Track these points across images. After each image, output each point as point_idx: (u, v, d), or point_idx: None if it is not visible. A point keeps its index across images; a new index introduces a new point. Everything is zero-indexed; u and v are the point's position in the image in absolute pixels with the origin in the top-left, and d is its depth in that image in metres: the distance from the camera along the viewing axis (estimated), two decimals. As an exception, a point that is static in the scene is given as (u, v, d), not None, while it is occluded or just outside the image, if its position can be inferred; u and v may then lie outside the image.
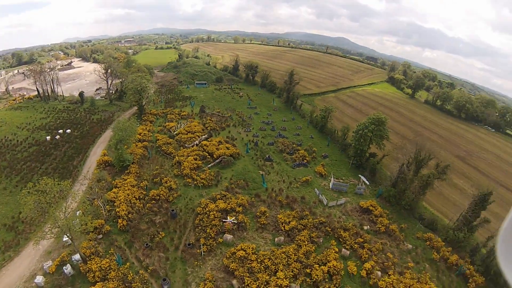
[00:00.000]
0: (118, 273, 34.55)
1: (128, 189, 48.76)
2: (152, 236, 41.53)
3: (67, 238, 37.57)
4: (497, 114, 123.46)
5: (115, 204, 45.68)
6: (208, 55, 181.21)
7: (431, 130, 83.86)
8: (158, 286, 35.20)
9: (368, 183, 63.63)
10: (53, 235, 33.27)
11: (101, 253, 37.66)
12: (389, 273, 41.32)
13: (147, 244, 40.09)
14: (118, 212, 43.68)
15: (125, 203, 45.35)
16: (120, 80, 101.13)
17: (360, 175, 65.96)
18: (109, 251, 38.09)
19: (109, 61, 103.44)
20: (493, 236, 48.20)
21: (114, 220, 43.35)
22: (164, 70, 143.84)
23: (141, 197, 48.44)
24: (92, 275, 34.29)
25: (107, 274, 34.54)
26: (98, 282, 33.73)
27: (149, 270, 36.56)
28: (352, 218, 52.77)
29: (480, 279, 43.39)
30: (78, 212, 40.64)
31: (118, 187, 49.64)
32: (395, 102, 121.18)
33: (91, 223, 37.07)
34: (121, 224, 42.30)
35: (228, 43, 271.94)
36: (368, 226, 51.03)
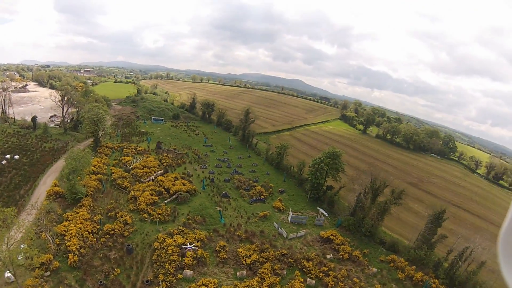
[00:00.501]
0: None
1: (81, 223, 45.53)
2: (107, 273, 38.66)
3: (9, 274, 34.09)
4: (441, 142, 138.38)
5: (66, 237, 42.13)
6: (166, 92, 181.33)
7: (383, 161, 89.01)
8: None
9: (327, 215, 65.54)
10: None
11: None
12: None
13: (101, 282, 37.15)
14: (69, 246, 40.23)
15: (77, 237, 42.07)
16: (77, 109, 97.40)
17: (318, 208, 67.91)
18: None
19: (66, 88, 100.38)
20: (453, 250, 52.36)
21: (64, 255, 39.79)
22: (122, 104, 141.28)
23: (94, 231, 45.38)
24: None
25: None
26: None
27: None
28: (314, 248, 53.73)
29: None
30: (22, 245, 36.57)
31: (69, 221, 46.29)
32: (348, 138, 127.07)
33: (38, 258, 34.29)
34: (72, 259, 38.70)
35: (186, 82, 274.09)
36: (331, 255, 52.30)
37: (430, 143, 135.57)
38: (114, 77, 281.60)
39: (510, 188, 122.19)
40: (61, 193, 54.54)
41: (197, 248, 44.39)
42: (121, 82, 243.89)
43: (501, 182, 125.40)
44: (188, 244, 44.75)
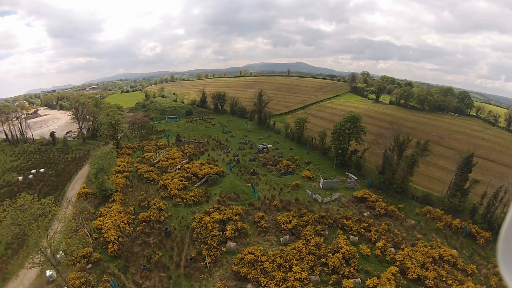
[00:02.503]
0: None
1: (115, 215, 45.62)
2: (149, 257, 38.43)
3: (50, 273, 34.01)
4: (456, 99, 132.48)
5: (103, 230, 42.17)
6: (174, 94, 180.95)
7: (401, 125, 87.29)
8: None
9: (356, 178, 64.56)
10: (35, 264, 29.09)
11: (92, 283, 33.75)
12: (401, 247, 42.90)
13: (144, 266, 36.92)
14: (107, 238, 40.26)
15: (114, 229, 42.14)
16: (91, 121, 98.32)
17: (346, 172, 67.44)
18: (102, 279, 34.33)
19: (78, 100, 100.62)
20: (486, 193, 51.98)
21: (104, 247, 39.77)
22: (133, 111, 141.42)
23: (129, 221, 45.11)
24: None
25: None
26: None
27: None
28: (350, 208, 53.49)
29: (487, 234, 47.28)
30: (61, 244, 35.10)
31: (104, 216, 46.31)
32: (363, 108, 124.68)
33: (78, 252, 33.88)
34: (112, 249, 38.74)
35: (192, 81, 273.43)
36: (368, 212, 52.28)
37: (445, 102, 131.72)
38: (120, 88, 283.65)
39: None
40: (90, 193, 54.47)
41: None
42: (127, 91, 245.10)
43: None
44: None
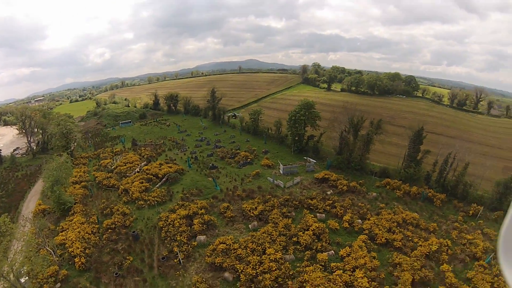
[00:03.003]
0: None
1: (78, 227, 43.60)
2: (120, 264, 37.44)
3: None
4: (403, 83, 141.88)
5: (67, 245, 40.11)
6: (125, 99, 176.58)
7: (354, 108, 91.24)
8: None
9: (315, 161, 66.70)
10: None
11: None
12: (367, 217, 46.19)
13: (117, 274, 35.99)
14: (72, 251, 38.41)
15: (78, 241, 40.21)
16: (40, 134, 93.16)
17: (305, 157, 69.60)
18: None
19: (24, 113, 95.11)
20: (438, 161, 57.62)
21: (70, 262, 37.87)
22: (84, 119, 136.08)
23: (94, 231, 43.54)
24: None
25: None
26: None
27: None
28: (313, 189, 55.63)
29: (442, 196, 53.63)
30: (22, 270, 33.52)
31: (66, 230, 44.11)
32: (315, 96, 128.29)
33: (43, 272, 32.48)
34: (80, 262, 37.00)
35: (143, 85, 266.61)
36: (331, 191, 54.61)
37: (394, 86, 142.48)
38: (68, 98, 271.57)
39: (473, 111, 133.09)
40: (48, 209, 51.75)
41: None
42: (77, 101, 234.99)
43: (464, 107, 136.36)
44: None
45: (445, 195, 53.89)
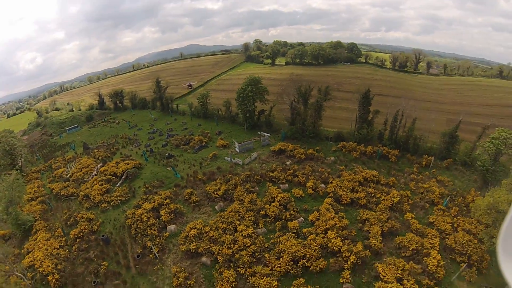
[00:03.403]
0: None
1: (44, 245, 42.06)
2: (96, 272, 36.81)
3: None
4: (346, 51, 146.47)
5: (36, 266, 38.46)
6: (68, 104, 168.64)
7: (299, 79, 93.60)
8: None
9: (269, 135, 67.81)
10: None
11: None
12: (330, 181, 48.24)
13: (95, 282, 35.50)
14: (43, 271, 37.00)
15: (48, 259, 38.90)
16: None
17: (259, 132, 70.51)
18: None
19: None
20: (387, 119, 61.08)
21: (44, 282, 36.57)
22: (27, 133, 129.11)
23: (62, 244, 42.19)
24: None
25: None
26: None
27: None
28: (272, 162, 56.94)
29: (396, 152, 57.70)
30: None
31: (31, 251, 42.24)
32: (261, 72, 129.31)
33: None
34: (54, 280, 35.87)
35: (84, 86, 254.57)
36: (290, 161, 55.99)
37: (337, 54, 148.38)
38: (4, 113, 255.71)
39: (414, 72, 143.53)
40: (7, 234, 49.00)
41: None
42: (14, 114, 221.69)
43: (406, 69, 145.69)
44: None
45: (398, 150, 58.09)
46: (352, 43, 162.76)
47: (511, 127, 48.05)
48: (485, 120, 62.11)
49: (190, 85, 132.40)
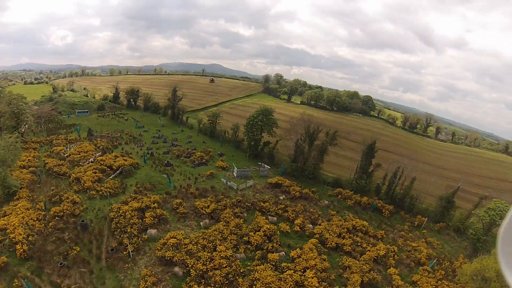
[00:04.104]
0: None
1: (22, 213, 41.55)
2: (65, 254, 35.91)
3: None
4: (361, 102, 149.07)
5: (8, 231, 37.76)
6: (84, 88, 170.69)
7: (310, 119, 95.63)
8: None
9: (269, 167, 68.39)
10: None
11: None
12: (318, 223, 48.25)
13: (61, 263, 34.47)
14: (14, 238, 36.29)
15: (22, 227, 38.26)
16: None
17: (259, 162, 71.05)
18: (14, 284, 30.97)
19: None
20: (387, 174, 61.99)
21: (11, 249, 35.63)
22: (38, 104, 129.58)
23: (40, 218, 41.52)
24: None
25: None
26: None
27: None
28: (266, 193, 57.12)
29: (390, 207, 57.99)
30: None
31: (8, 215, 41.61)
32: (275, 106, 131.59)
33: None
34: (21, 250, 34.95)
35: (105, 76, 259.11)
36: (284, 196, 56.28)
37: (352, 103, 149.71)
38: (22, 79, 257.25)
39: (423, 134, 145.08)
40: None
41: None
42: (32, 83, 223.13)
43: (415, 130, 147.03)
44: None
45: (393, 206, 58.49)
46: (368, 96, 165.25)
47: (509, 201, 48.67)
48: (484, 191, 62.46)
49: (212, 80, 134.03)
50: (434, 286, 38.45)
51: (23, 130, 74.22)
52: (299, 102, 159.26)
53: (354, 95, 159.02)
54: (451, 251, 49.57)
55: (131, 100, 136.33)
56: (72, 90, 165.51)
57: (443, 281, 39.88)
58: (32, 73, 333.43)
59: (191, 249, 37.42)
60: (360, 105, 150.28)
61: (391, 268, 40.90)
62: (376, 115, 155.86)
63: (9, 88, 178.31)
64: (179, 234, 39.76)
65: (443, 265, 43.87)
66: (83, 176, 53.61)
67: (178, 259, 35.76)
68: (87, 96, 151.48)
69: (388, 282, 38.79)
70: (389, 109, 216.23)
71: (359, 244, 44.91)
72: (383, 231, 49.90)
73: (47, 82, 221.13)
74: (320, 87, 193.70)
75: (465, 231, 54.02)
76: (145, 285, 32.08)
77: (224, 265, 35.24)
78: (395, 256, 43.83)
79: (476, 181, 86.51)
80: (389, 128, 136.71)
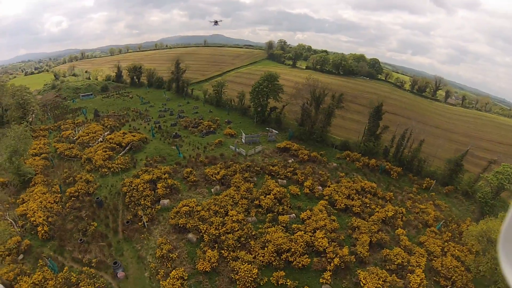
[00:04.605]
0: (58, 280, 29.68)
1: (39, 197, 42.91)
2: (84, 230, 37.46)
3: None
4: (368, 66, 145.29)
5: (28, 215, 39.29)
6: (86, 71, 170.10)
7: (316, 84, 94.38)
8: (111, 274, 32.25)
9: (277, 132, 68.12)
10: None
11: (28, 271, 31.61)
12: (328, 185, 48.20)
13: (81, 240, 36.00)
14: (34, 221, 37.79)
15: (40, 210, 39.70)
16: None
17: (267, 128, 70.91)
18: (38, 264, 32.40)
19: None
20: (395, 136, 60.91)
21: (33, 232, 37.30)
22: (41, 93, 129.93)
23: (56, 200, 43.05)
24: (27, 298, 27.95)
25: (44, 288, 28.93)
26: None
27: (94, 264, 32.73)
28: (275, 158, 57.14)
29: (398, 169, 57.81)
30: None
31: (26, 201, 42.87)
32: (280, 72, 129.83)
33: (4, 245, 32.28)
34: (42, 231, 36.48)
35: (105, 57, 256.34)
36: (292, 159, 56.09)
37: (358, 67, 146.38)
38: (23, 71, 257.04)
39: (431, 98, 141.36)
40: (4, 182, 49.11)
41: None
42: (32, 73, 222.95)
43: (424, 94, 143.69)
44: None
45: (401, 168, 58.19)
46: (375, 59, 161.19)
47: None
48: (493, 156, 61.26)
49: (216, 22, 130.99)
50: (440, 247, 38.97)
51: (30, 119, 75.05)
52: (304, 67, 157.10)
53: (360, 58, 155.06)
54: (459, 214, 49.68)
55: (134, 77, 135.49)
56: (74, 75, 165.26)
57: (450, 242, 40.46)
58: (32, 63, 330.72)
59: (204, 216, 38.42)
60: (366, 69, 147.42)
61: (399, 229, 41.47)
62: (384, 79, 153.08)
63: (11, 81, 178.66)
64: (191, 202, 40.71)
65: (450, 227, 44.16)
66: (94, 156, 54.73)
67: (192, 225, 36.86)
68: (90, 78, 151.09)
69: (396, 242, 39.47)
70: (397, 72, 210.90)
71: (368, 205, 45.28)
72: (392, 193, 50.09)
73: (47, 70, 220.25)
74: (326, 51, 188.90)
75: (473, 195, 53.50)
76: (161, 253, 33.29)
77: (236, 229, 36.20)
78: (403, 217, 44.35)
79: (485, 145, 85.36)
80: (397, 92, 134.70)
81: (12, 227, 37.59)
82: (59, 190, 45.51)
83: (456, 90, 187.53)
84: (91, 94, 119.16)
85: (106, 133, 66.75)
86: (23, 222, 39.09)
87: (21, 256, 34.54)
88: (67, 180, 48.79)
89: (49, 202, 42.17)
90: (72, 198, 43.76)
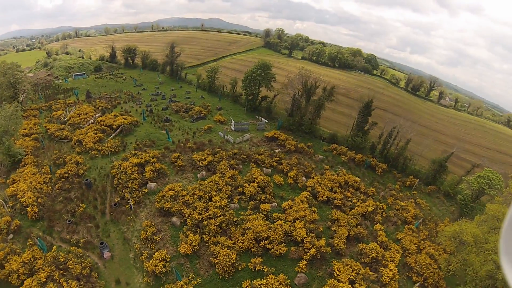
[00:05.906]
0: (47, 259, 30.86)
1: (29, 178, 43.63)
2: (73, 211, 38.65)
3: None
4: (364, 60, 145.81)
5: (18, 196, 40.07)
6: (79, 50, 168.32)
7: (308, 74, 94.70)
8: (97, 254, 33.62)
9: (266, 121, 69.03)
10: None
11: (18, 250, 32.70)
12: (312, 176, 49.22)
13: (69, 221, 37.17)
14: (24, 201, 38.46)
15: (30, 191, 40.44)
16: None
17: (257, 116, 71.84)
18: (27, 244, 33.43)
19: None
20: (383, 133, 61.74)
21: (22, 212, 38.13)
22: (33, 71, 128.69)
23: (46, 181, 43.83)
24: (16, 276, 29.46)
25: (34, 267, 30.34)
26: (25, 280, 29.09)
27: (81, 244, 33.96)
28: (262, 147, 58.11)
29: (384, 166, 59.05)
30: None
31: (16, 181, 43.63)
32: (275, 61, 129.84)
33: None
34: (32, 212, 37.43)
35: (100, 36, 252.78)
36: (279, 149, 56.98)
37: (354, 61, 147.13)
38: (14, 47, 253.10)
39: (425, 98, 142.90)
40: None
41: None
42: (24, 50, 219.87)
43: (417, 93, 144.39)
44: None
45: (386, 165, 59.60)
46: (372, 54, 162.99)
47: (499, 172, 49.41)
48: (478, 160, 63.21)
49: None
50: (416, 245, 40.51)
51: (21, 99, 74.43)
52: (300, 58, 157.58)
53: (357, 52, 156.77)
54: (438, 214, 51.27)
55: (129, 58, 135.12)
56: (67, 53, 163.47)
57: (426, 241, 42.09)
58: (24, 40, 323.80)
59: (188, 200, 39.72)
60: (362, 63, 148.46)
61: (378, 224, 42.94)
62: (379, 74, 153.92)
63: (2, 58, 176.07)
64: (177, 186, 41.97)
65: (428, 226, 45.68)
66: (84, 138, 55.40)
67: (176, 209, 38.19)
68: (83, 57, 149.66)
69: (374, 237, 40.96)
70: (394, 69, 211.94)
71: (349, 199, 46.68)
72: (374, 189, 51.40)
73: (40, 48, 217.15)
74: (323, 43, 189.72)
75: (454, 196, 55.08)
76: (146, 235, 34.69)
77: (219, 215, 37.52)
78: (383, 213, 45.73)
79: (472, 149, 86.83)
80: (391, 88, 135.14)
81: (2, 207, 38.91)
82: (49, 171, 46.24)
83: (450, 91, 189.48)
84: (84, 74, 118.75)
85: (97, 115, 67.19)
86: (13, 203, 39.87)
87: (11, 236, 35.51)
88: (57, 161, 49.47)
89: (39, 183, 42.94)
90: (62, 179, 44.63)
